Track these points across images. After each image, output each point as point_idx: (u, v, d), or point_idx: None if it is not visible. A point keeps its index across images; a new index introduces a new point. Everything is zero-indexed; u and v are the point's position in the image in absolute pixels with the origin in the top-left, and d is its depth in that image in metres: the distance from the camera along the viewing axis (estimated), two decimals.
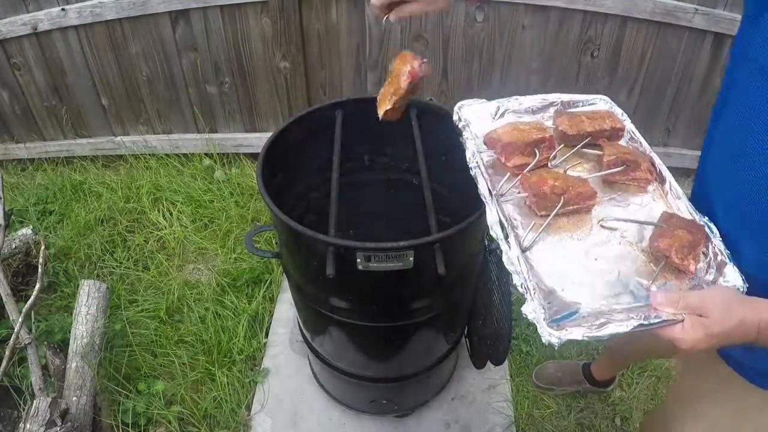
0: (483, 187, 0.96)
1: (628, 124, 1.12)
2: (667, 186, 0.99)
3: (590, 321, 0.78)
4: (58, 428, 1.55)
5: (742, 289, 0.83)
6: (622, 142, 1.10)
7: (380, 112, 1.20)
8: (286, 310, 2.22)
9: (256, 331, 2.14)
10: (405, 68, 1.14)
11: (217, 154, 2.94)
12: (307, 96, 2.71)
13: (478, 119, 1.12)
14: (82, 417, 1.69)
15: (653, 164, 1.02)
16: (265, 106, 2.81)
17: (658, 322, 0.76)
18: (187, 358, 2.02)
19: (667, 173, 1.00)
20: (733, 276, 0.83)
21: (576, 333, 0.75)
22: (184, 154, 2.97)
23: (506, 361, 2.01)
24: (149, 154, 2.95)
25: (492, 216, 0.91)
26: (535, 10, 2.33)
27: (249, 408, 1.91)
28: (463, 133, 1.10)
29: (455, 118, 1.14)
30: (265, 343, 2.10)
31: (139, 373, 1.99)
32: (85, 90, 2.84)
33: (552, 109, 1.16)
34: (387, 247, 1.11)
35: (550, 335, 0.75)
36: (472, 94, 2.58)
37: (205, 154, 2.94)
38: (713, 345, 0.75)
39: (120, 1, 2.48)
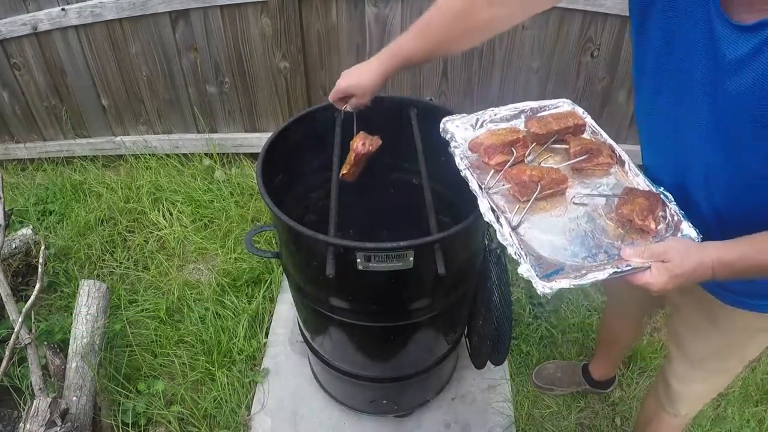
0: (473, 184, 1.11)
1: (589, 120, 1.27)
2: (626, 167, 1.16)
3: (574, 273, 0.94)
4: (58, 428, 1.55)
5: (696, 240, 0.97)
6: (585, 135, 1.25)
7: (341, 173, 1.45)
8: (286, 310, 2.22)
9: (256, 331, 2.14)
10: (354, 146, 1.42)
11: (217, 154, 2.94)
12: (307, 96, 2.71)
13: (460, 130, 1.28)
14: (82, 417, 1.69)
15: (613, 150, 1.18)
16: (265, 106, 2.81)
17: (629, 270, 0.91)
18: (187, 358, 2.02)
19: (625, 156, 1.16)
20: (688, 230, 0.99)
21: (564, 283, 0.91)
22: (184, 154, 2.97)
23: (506, 361, 2.01)
24: (149, 154, 2.95)
25: (483, 205, 1.06)
26: None
27: (249, 408, 1.91)
28: (451, 144, 1.24)
29: (442, 131, 1.27)
30: (265, 343, 2.10)
31: (139, 373, 1.99)
32: (85, 90, 2.84)
33: (523, 116, 1.31)
34: (387, 247, 1.11)
35: (543, 287, 0.90)
36: (471, 95, 2.59)
37: (205, 154, 2.94)
38: (678, 284, 0.90)
39: (120, 1, 2.48)
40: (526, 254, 0.96)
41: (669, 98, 0.97)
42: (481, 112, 1.30)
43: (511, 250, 0.97)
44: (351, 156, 1.43)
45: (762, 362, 2.12)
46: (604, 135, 1.23)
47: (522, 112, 1.31)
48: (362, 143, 1.42)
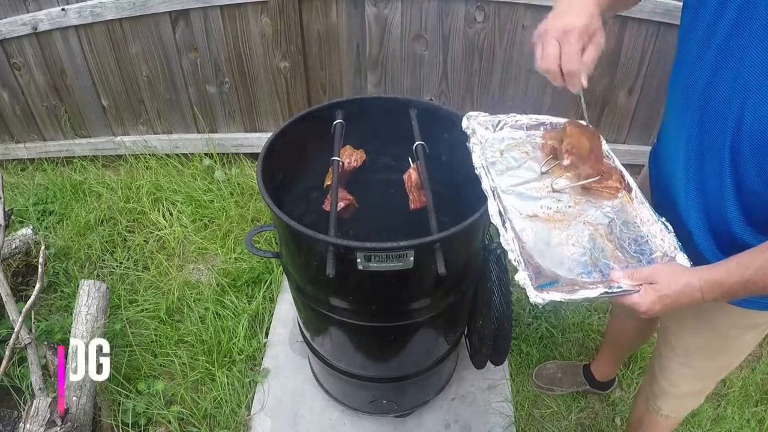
0: (486, 184, 1.14)
1: (605, 145, 1.30)
2: (633, 194, 1.19)
3: (567, 288, 0.97)
4: (58, 428, 1.55)
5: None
6: None
7: (324, 184, 1.51)
8: (286, 310, 2.22)
9: (256, 331, 2.14)
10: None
11: (217, 154, 2.94)
12: (307, 96, 2.71)
13: (481, 129, 1.33)
14: (82, 417, 1.69)
15: (623, 176, 1.22)
16: (265, 106, 2.81)
17: (620, 291, 0.96)
18: (187, 358, 2.02)
19: (633, 184, 1.21)
20: (682, 260, 1.03)
21: (556, 296, 0.94)
22: (184, 154, 2.96)
23: (506, 361, 2.01)
24: (149, 154, 2.95)
25: (493, 208, 1.09)
26: (535, 10, 2.32)
27: (249, 408, 1.91)
28: (471, 139, 1.27)
29: (464, 125, 1.31)
30: (265, 343, 2.10)
31: (139, 373, 1.99)
32: (85, 90, 2.84)
33: (542, 128, 1.36)
34: (387, 247, 1.11)
35: (536, 297, 0.94)
36: (472, 95, 2.58)
37: (205, 154, 2.94)
38: (666, 305, 0.93)
39: (120, 1, 2.47)
40: (525, 262, 1.00)
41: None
42: (503, 115, 1.35)
43: (511, 256, 1.00)
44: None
45: (762, 362, 2.12)
46: (617, 161, 1.27)
47: (542, 124, 1.35)
48: (347, 159, 1.46)
